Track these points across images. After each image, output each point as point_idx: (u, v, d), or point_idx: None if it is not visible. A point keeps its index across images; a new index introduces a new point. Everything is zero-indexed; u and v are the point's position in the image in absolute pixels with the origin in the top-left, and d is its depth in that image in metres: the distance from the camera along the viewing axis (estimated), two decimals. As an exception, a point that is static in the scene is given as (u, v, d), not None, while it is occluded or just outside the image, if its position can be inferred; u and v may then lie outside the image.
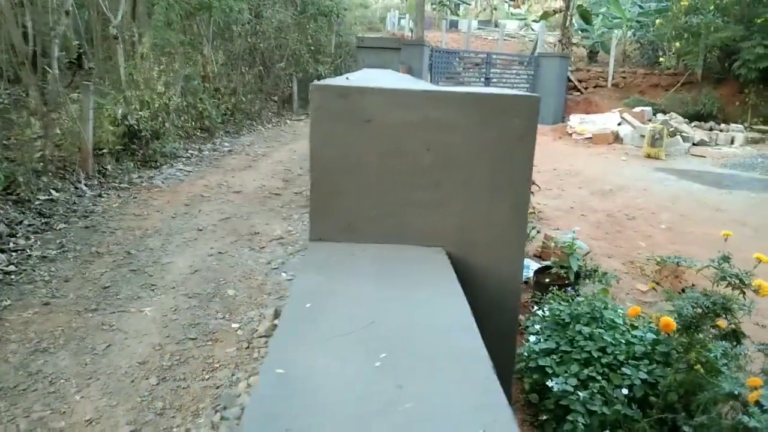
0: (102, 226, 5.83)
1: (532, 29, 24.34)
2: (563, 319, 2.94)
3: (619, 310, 2.98)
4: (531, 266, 4.52)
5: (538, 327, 3.05)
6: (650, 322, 2.78)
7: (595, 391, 2.44)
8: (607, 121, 13.84)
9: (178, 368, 3.53)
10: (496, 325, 1.24)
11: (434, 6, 26.11)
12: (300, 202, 7.18)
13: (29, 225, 5.58)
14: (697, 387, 2.19)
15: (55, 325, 3.89)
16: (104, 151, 7.61)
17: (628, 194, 8.42)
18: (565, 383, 2.53)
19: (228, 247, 5.51)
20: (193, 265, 4.99)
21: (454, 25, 28.20)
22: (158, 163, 8.38)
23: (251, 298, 4.49)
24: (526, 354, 2.88)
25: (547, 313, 3.08)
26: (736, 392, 1.95)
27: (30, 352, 3.57)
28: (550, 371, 2.68)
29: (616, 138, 13.18)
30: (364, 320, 1.13)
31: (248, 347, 3.82)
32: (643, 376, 2.44)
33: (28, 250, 5.04)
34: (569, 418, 2.41)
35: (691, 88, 15.68)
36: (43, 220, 5.77)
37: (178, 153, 9.08)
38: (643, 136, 12.17)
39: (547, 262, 4.61)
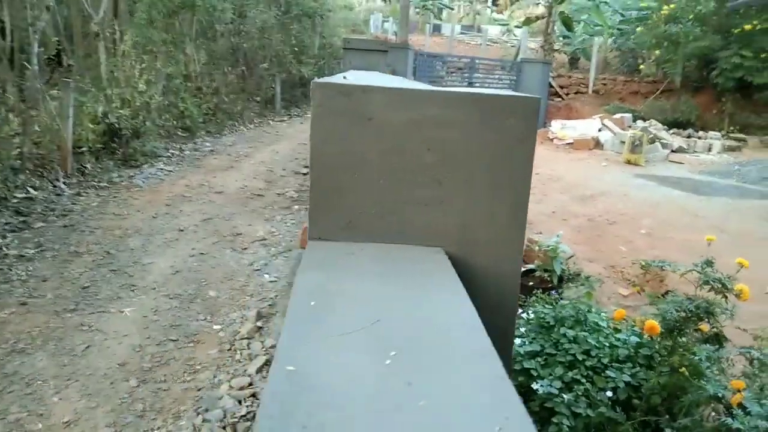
0: (81, 225, 5.74)
1: (515, 35, 24.48)
2: (548, 322, 2.95)
3: (602, 314, 3.00)
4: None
5: (522, 329, 3.06)
6: (634, 326, 2.81)
7: (580, 393, 2.45)
8: (587, 127, 13.97)
9: (158, 370, 3.48)
10: (496, 324, 1.24)
11: (418, 10, 26.15)
12: (283, 204, 7.14)
13: (6, 223, 5.47)
14: (680, 390, 2.22)
15: (33, 326, 3.82)
16: (84, 149, 7.48)
17: (609, 200, 8.52)
18: (550, 386, 2.54)
19: (210, 248, 5.45)
20: (174, 266, 4.93)
21: (437, 29, 28.29)
22: (139, 163, 8.27)
23: (233, 300, 4.45)
24: (510, 356, 2.89)
25: (532, 315, 3.09)
26: (719, 395, 1.97)
27: (6, 353, 3.49)
28: (534, 374, 2.69)
29: (597, 144, 13.32)
30: (369, 318, 1.12)
31: (230, 349, 3.78)
32: (627, 378, 2.46)
33: (4, 249, 4.94)
34: (554, 420, 2.41)
35: (670, 95, 15.92)
36: (20, 219, 5.66)
37: (158, 152, 8.97)
38: (623, 143, 12.31)
39: (531, 266, 4.64)
